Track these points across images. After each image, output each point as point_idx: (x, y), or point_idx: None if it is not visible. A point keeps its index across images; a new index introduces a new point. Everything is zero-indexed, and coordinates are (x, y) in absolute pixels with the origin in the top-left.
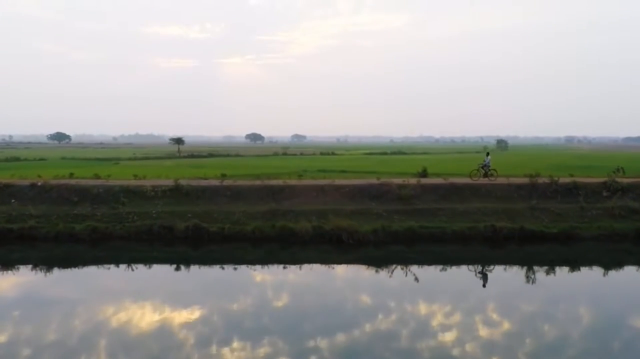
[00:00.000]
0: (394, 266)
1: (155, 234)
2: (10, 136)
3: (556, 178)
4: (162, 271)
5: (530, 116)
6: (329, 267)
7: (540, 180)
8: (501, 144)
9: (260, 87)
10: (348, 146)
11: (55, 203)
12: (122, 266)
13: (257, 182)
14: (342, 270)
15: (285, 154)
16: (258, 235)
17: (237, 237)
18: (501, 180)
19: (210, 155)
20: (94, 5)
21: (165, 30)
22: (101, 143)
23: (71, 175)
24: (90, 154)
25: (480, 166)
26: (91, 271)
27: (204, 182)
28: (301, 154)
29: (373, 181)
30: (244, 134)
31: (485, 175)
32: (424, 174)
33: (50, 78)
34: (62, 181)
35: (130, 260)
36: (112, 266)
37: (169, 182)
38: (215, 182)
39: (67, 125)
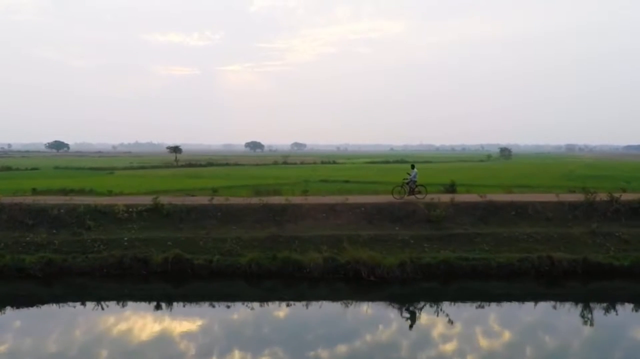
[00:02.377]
0: (422, 303)
1: (126, 267)
2: (9, 145)
3: (617, 194)
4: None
5: (530, 123)
6: (342, 304)
7: (597, 196)
8: (504, 152)
9: (260, 94)
10: (349, 154)
11: (6, 227)
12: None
13: (254, 200)
14: (357, 309)
15: (285, 163)
16: (255, 270)
17: (229, 272)
18: (549, 197)
19: (209, 164)
20: (94, 13)
21: (164, 38)
22: (99, 152)
23: (34, 191)
24: (85, 164)
25: (405, 181)
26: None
27: (190, 200)
28: (302, 163)
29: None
30: (243, 142)
31: (412, 192)
32: (452, 188)
33: (49, 86)
34: (17, 200)
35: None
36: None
37: (147, 200)
38: (203, 200)
39: (67, 133)
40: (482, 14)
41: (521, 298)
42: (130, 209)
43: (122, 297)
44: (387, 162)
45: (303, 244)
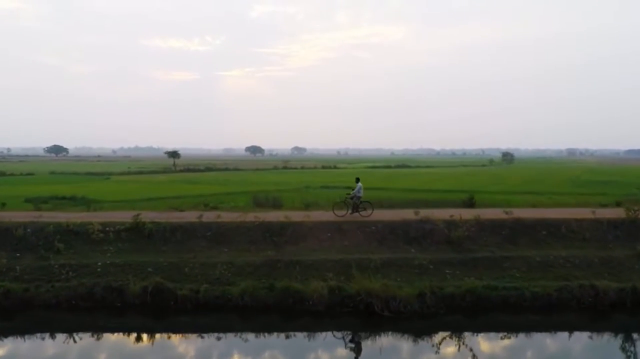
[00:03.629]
0: (440, 334)
1: (98, 299)
2: (9, 149)
3: None
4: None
5: (530, 128)
6: (349, 335)
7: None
8: (507, 156)
9: (260, 99)
10: (349, 158)
11: None
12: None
13: (250, 218)
14: (367, 341)
15: (285, 167)
16: (249, 302)
17: (218, 305)
18: (583, 213)
19: (207, 169)
20: (95, 18)
21: (165, 43)
22: (99, 156)
23: (3, 206)
24: (82, 168)
25: (348, 196)
26: None
27: (176, 216)
28: (302, 167)
29: (408, 213)
30: (243, 147)
31: (356, 209)
32: (470, 202)
33: (50, 91)
34: None
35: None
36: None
37: (127, 216)
38: (192, 217)
39: (67, 138)
40: (481, 19)
41: (563, 334)
42: (107, 229)
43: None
44: (389, 167)
45: (305, 271)
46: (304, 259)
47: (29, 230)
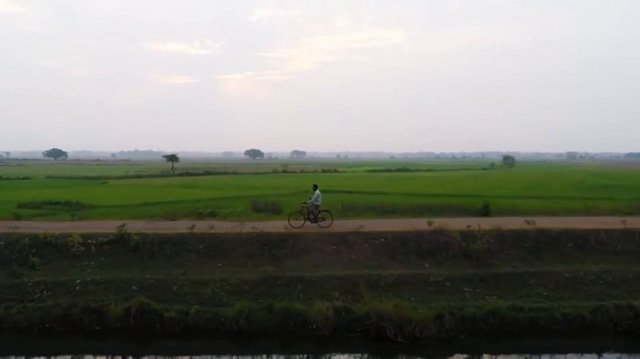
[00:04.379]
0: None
1: (76, 321)
2: (8, 153)
3: None
4: None
5: (530, 131)
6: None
7: None
8: (508, 160)
9: (260, 103)
10: (349, 162)
11: None
12: None
13: (246, 228)
14: None
15: (285, 171)
16: (244, 325)
17: (210, 329)
18: (612, 222)
19: (206, 173)
20: (95, 22)
21: (165, 47)
22: (98, 160)
23: None
24: (80, 172)
25: (305, 205)
26: None
27: (166, 226)
28: (302, 171)
29: (420, 223)
30: (243, 150)
31: (314, 219)
32: (486, 210)
33: (50, 94)
34: None
35: None
36: None
37: (113, 226)
38: (183, 227)
39: (67, 141)
40: (481, 23)
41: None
42: (89, 241)
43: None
44: (389, 170)
45: (308, 289)
46: (306, 276)
47: (2, 242)
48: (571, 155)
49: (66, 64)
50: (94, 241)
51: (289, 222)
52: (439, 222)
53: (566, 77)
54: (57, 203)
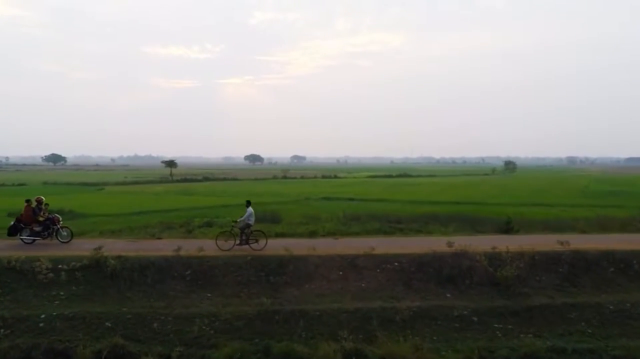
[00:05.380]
0: None
1: None
2: (7, 158)
3: None
4: None
5: (530, 136)
6: None
7: None
8: (509, 165)
9: (260, 107)
10: (349, 167)
11: None
12: None
13: (240, 251)
14: None
15: (285, 177)
16: None
17: None
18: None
19: (205, 179)
20: (95, 26)
21: (165, 51)
22: (97, 165)
23: None
24: (78, 178)
25: (235, 224)
26: None
27: (150, 247)
28: (302, 177)
29: (437, 242)
30: (243, 155)
31: (245, 241)
32: (508, 227)
33: (49, 99)
34: None
35: None
36: None
37: (92, 245)
38: (169, 249)
39: (66, 146)
40: (481, 27)
41: None
42: (59, 266)
43: None
44: (390, 176)
45: (311, 326)
46: (309, 309)
47: None
48: (571, 160)
49: (66, 67)
50: (65, 267)
51: (216, 243)
52: (460, 240)
53: (566, 81)
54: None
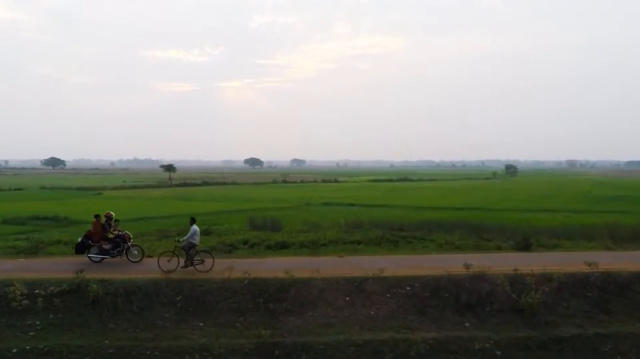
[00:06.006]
0: None
1: None
2: (6, 162)
3: None
4: None
5: (530, 139)
6: None
7: None
8: (510, 169)
9: (259, 110)
10: (349, 171)
11: None
12: None
13: (237, 272)
14: None
15: (284, 181)
16: None
17: None
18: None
19: (204, 183)
20: (94, 30)
21: (164, 54)
22: (96, 169)
23: None
24: (76, 183)
25: (179, 244)
26: None
27: (138, 268)
28: (302, 181)
29: (452, 262)
30: (242, 159)
31: (190, 262)
32: (526, 244)
33: (49, 102)
34: None
35: None
36: None
37: (69, 262)
38: (158, 270)
39: (66, 150)
40: (481, 30)
41: None
42: (36, 291)
43: None
44: (391, 180)
45: None
46: (313, 342)
47: None
48: (571, 163)
49: (65, 71)
50: (42, 292)
51: (159, 264)
52: (475, 259)
53: (566, 84)
54: (45, 218)
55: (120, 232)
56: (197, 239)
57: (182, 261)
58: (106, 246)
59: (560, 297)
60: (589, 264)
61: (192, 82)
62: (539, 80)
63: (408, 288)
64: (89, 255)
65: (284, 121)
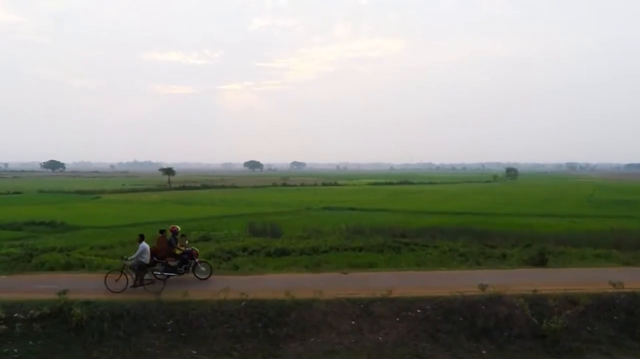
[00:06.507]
0: None
1: None
2: (6, 164)
3: None
4: None
5: (530, 142)
6: None
7: None
8: (511, 172)
9: (259, 113)
10: (349, 174)
11: None
12: None
13: (233, 294)
14: None
15: (284, 184)
16: None
17: None
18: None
19: (204, 186)
20: (93, 32)
21: (164, 57)
22: (96, 171)
23: None
24: (75, 186)
25: (127, 262)
26: None
27: (126, 290)
28: (302, 184)
29: (465, 281)
30: (242, 161)
31: (140, 281)
32: (541, 258)
33: (48, 105)
34: None
35: None
36: None
37: (52, 285)
38: (148, 292)
39: (66, 152)
40: (481, 33)
41: None
42: (15, 315)
43: None
44: (391, 183)
45: None
46: None
47: None
48: (571, 166)
49: (65, 74)
50: (21, 316)
51: (105, 284)
52: (488, 276)
53: (566, 87)
54: (41, 223)
55: (187, 249)
56: (146, 258)
57: (131, 280)
58: (172, 263)
59: (584, 321)
60: (614, 284)
61: (192, 85)
62: (539, 83)
63: (419, 311)
64: (155, 273)
65: (283, 123)
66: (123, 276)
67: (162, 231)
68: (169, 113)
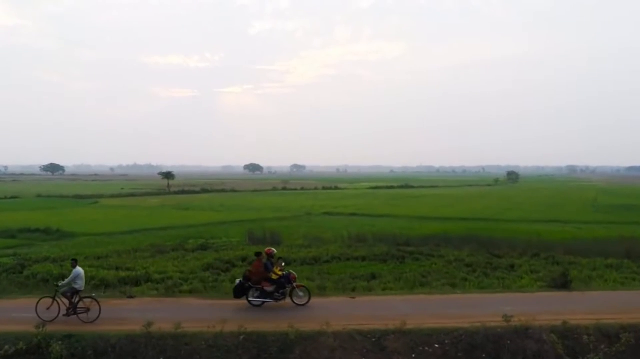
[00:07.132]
0: None
1: None
2: (6, 167)
3: None
4: None
5: (530, 145)
6: None
7: None
8: (512, 176)
9: (259, 116)
10: (349, 177)
11: None
12: None
13: (231, 326)
14: None
15: (285, 188)
16: None
17: None
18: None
19: (203, 191)
20: (94, 35)
21: (164, 60)
22: (96, 175)
23: None
24: (73, 190)
25: (60, 289)
26: None
27: (115, 315)
28: (302, 188)
29: (485, 306)
30: (242, 164)
31: (72, 311)
32: (564, 280)
33: (49, 108)
34: None
35: None
36: None
37: (29, 318)
38: (138, 320)
39: (66, 155)
40: (482, 36)
41: None
42: None
43: None
44: (392, 187)
45: None
46: None
47: None
48: (571, 168)
49: (65, 77)
50: None
51: (37, 312)
52: (511, 300)
53: (566, 90)
54: (36, 230)
55: (284, 273)
56: (80, 284)
57: (63, 308)
58: (269, 288)
59: (620, 357)
60: None
61: (192, 88)
62: (539, 85)
63: (437, 346)
64: (250, 299)
65: (283, 126)
66: (55, 303)
67: (257, 254)
68: (169, 116)
